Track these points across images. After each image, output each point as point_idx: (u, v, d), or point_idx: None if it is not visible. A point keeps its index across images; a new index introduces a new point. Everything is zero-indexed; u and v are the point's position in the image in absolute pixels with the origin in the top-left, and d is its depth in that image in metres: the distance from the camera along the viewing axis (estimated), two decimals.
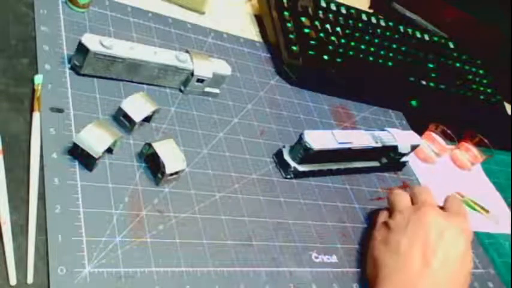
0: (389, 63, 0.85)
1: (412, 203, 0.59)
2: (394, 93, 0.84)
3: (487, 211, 0.78)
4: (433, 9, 1.06)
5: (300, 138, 0.60)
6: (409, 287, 0.52)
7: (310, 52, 0.75)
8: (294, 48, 0.74)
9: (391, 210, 0.59)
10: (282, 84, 0.72)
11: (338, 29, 0.82)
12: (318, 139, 0.60)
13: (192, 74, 0.59)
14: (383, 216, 0.60)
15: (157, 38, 0.64)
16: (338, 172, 0.66)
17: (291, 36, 0.75)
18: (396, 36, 0.90)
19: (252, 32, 0.77)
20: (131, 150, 0.52)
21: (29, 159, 0.45)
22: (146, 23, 0.65)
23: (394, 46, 0.88)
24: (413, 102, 0.85)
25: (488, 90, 0.98)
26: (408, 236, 0.55)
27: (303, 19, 0.78)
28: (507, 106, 1.02)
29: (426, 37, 0.95)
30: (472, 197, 0.78)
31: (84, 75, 0.54)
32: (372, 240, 0.58)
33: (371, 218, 0.63)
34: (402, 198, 0.60)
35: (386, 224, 0.58)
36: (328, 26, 0.81)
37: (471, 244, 0.57)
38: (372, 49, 0.84)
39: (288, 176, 0.61)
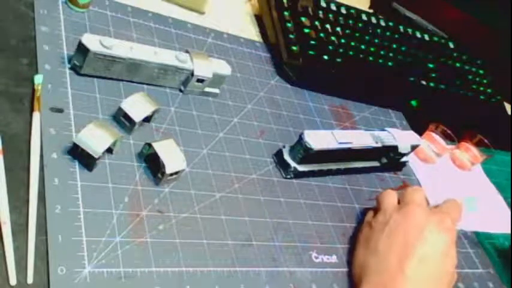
0: (389, 63, 0.85)
1: (400, 202, 0.59)
2: (394, 93, 0.84)
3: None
4: (433, 9, 1.06)
5: (300, 138, 0.60)
6: (386, 287, 0.52)
7: (310, 52, 0.75)
8: (294, 48, 0.74)
9: (377, 209, 0.59)
10: (282, 84, 0.72)
11: (338, 29, 0.82)
12: (318, 139, 0.60)
13: (192, 74, 0.59)
14: (369, 216, 0.60)
15: (157, 38, 0.64)
16: (338, 172, 0.66)
17: (291, 36, 0.75)
18: (396, 36, 0.90)
19: (252, 32, 0.77)
20: (131, 150, 0.52)
21: (29, 159, 0.45)
22: (146, 23, 0.65)
23: (394, 46, 0.88)
24: (413, 102, 0.85)
25: (488, 90, 0.98)
26: (387, 236, 0.55)
27: (303, 19, 0.78)
28: (507, 106, 1.02)
29: (426, 37, 0.95)
30: (472, 197, 0.78)
31: (84, 75, 0.54)
32: (355, 240, 0.59)
33: None
34: (388, 198, 0.59)
35: (369, 224, 0.58)
36: (328, 26, 0.81)
37: (455, 241, 0.56)
38: (372, 49, 0.84)
39: (288, 176, 0.61)
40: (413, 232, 0.54)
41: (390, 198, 0.59)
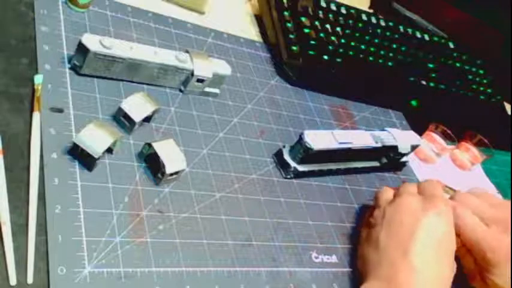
0: (389, 63, 0.85)
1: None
2: (394, 93, 0.84)
3: None
4: (433, 9, 1.06)
5: (300, 138, 0.60)
6: (390, 279, 0.51)
7: (310, 52, 0.75)
8: (294, 48, 0.74)
9: (374, 206, 0.60)
10: (282, 84, 0.72)
11: (338, 29, 0.82)
12: (318, 139, 0.60)
13: (192, 74, 0.59)
14: (367, 214, 0.60)
15: (157, 38, 0.64)
16: (338, 172, 0.66)
17: (291, 36, 0.75)
18: (396, 36, 0.90)
19: (252, 32, 0.77)
20: (131, 150, 0.52)
21: (29, 159, 0.45)
22: (146, 23, 0.65)
23: (394, 46, 0.88)
24: (413, 102, 0.85)
25: (488, 90, 0.98)
26: (385, 229, 0.55)
27: (303, 19, 0.78)
28: (507, 106, 1.02)
29: (426, 37, 0.95)
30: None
31: (84, 75, 0.54)
32: (358, 240, 0.59)
33: None
34: (384, 194, 0.59)
35: (368, 221, 0.59)
36: (328, 26, 0.81)
37: (452, 223, 0.56)
38: (372, 49, 0.84)
39: (288, 176, 0.61)
40: (409, 220, 0.54)
41: (386, 194, 0.59)
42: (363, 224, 0.60)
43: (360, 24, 0.86)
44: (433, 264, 0.52)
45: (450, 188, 0.76)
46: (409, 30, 0.93)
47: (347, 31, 0.83)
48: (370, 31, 0.86)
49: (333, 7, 0.84)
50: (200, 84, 0.60)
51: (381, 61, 0.84)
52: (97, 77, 0.55)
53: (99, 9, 0.62)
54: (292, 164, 0.60)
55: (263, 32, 0.77)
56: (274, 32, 0.75)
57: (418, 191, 0.58)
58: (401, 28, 0.92)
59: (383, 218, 0.56)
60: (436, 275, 0.52)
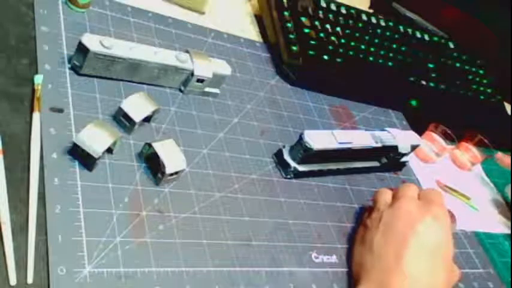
0: (390, 63, 0.85)
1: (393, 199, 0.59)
2: (394, 93, 0.84)
3: (468, 198, 0.78)
4: (433, 9, 1.06)
5: (300, 138, 0.60)
6: (383, 284, 0.51)
7: (310, 52, 0.75)
8: (294, 48, 0.74)
9: (372, 208, 0.59)
10: (282, 84, 0.72)
11: (338, 29, 0.82)
12: (318, 139, 0.60)
13: (192, 74, 0.59)
14: (364, 215, 0.60)
15: (157, 38, 0.64)
16: (338, 172, 0.66)
17: (291, 36, 0.75)
18: (396, 36, 0.90)
19: (252, 32, 0.77)
20: (131, 150, 0.52)
21: (29, 159, 0.45)
22: (146, 23, 0.65)
23: (394, 46, 0.88)
24: (413, 102, 0.85)
25: (488, 90, 0.98)
26: (381, 233, 0.55)
27: (303, 19, 0.78)
28: (507, 106, 1.02)
29: (426, 37, 0.95)
30: (472, 196, 0.78)
31: (84, 75, 0.54)
32: (353, 241, 0.59)
33: None
34: (382, 196, 0.59)
35: (364, 223, 0.58)
36: (328, 26, 0.81)
37: (450, 228, 0.56)
38: (372, 49, 0.84)
39: (288, 176, 0.61)
40: (406, 226, 0.54)
41: (385, 195, 0.59)
42: (360, 225, 0.60)
43: (360, 24, 0.86)
44: (427, 270, 0.52)
45: (450, 188, 0.77)
46: (409, 30, 0.93)
47: (347, 31, 0.83)
48: (370, 31, 0.86)
49: (333, 7, 0.84)
50: (200, 84, 0.60)
51: (380, 61, 0.84)
52: (97, 77, 0.55)
53: (99, 9, 0.62)
54: (292, 164, 0.60)
55: (263, 32, 0.77)
56: (274, 32, 0.75)
57: (419, 197, 0.58)
58: (401, 28, 0.92)
59: (380, 221, 0.56)
60: (431, 281, 0.52)
